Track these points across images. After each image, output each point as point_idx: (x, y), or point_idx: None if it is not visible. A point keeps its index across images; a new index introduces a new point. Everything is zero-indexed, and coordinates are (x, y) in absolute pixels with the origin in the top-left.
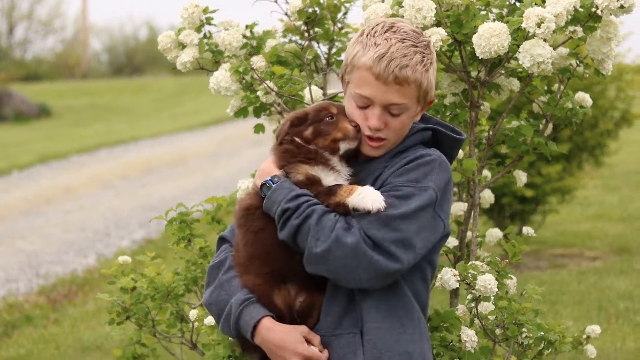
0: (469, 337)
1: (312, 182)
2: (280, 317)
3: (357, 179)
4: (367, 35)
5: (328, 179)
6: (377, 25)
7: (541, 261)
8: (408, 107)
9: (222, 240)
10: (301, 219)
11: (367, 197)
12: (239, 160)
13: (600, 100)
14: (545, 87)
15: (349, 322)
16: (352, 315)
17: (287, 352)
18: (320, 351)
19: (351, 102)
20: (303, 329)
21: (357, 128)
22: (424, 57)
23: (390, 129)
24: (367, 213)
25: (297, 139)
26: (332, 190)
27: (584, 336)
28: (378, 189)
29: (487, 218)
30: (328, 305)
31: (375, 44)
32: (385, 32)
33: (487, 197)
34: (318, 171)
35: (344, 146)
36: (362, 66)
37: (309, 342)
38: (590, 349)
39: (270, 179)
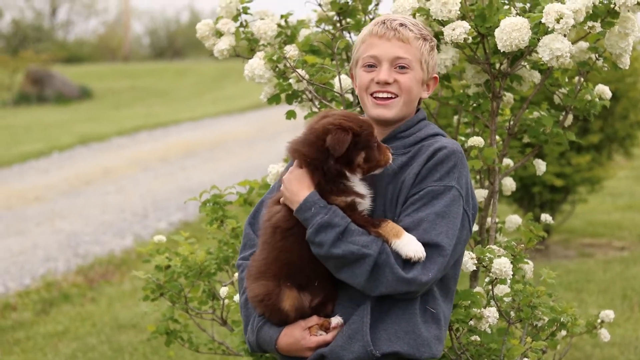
0: (492, 313)
1: (351, 209)
2: (288, 319)
3: (374, 188)
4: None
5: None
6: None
7: (570, 250)
8: (413, 66)
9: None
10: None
11: (411, 246)
12: (276, 145)
13: (631, 92)
14: (566, 80)
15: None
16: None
17: (299, 351)
18: (326, 326)
19: (360, 72)
20: (300, 322)
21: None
22: (420, 28)
23: (400, 86)
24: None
25: (346, 171)
26: (376, 222)
27: (599, 320)
28: (399, 190)
29: (518, 207)
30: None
31: (375, 20)
32: (384, 15)
33: (508, 184)
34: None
35: (378, 170)
36: (366, 36)
37: (311, 328)
38: (604, 333)
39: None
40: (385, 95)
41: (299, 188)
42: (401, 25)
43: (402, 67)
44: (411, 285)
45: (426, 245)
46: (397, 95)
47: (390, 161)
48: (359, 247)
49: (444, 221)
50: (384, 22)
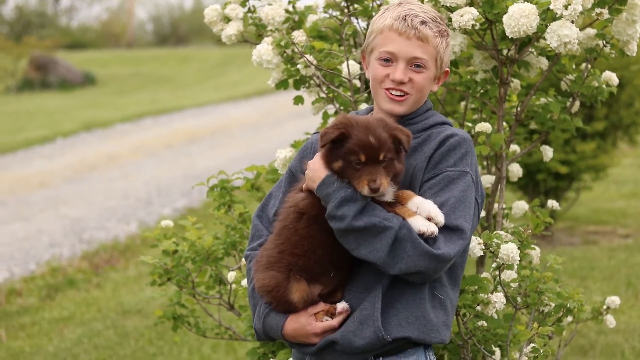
0: (499, 298)
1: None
2: (295, 310)
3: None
4: (386, 9)
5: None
6: (393, 3)
7: (574, 237)
8: (429, 65)
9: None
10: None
11: (424, 222)
12: (281, 131)
13: (636, 79)
14: (574, 66)
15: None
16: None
17: (306, 337)
18: (332, 312)
19: (376, 64)
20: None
21: (373, 188)
22: (439, 23)
23: (414, 85)
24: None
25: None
26: (391, 203)
27: (604, 307)
28: (411, 175)
29: (522, 193)
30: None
31: (395, 9)
32: (403, 3)
33: (515, 170)
34: None
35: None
36: (385, 28)
37: (317, 314)
38: (610, 319)
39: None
40: (398, 93)
41: (321, 166)
42: (422, 23)
43: (418, 66)
44: (432, 260)
45: (447, 228)
46: (410, 94)
47: (365, 193)
48: (380, 219)
49: (462, 205)
50: (405, 19)
